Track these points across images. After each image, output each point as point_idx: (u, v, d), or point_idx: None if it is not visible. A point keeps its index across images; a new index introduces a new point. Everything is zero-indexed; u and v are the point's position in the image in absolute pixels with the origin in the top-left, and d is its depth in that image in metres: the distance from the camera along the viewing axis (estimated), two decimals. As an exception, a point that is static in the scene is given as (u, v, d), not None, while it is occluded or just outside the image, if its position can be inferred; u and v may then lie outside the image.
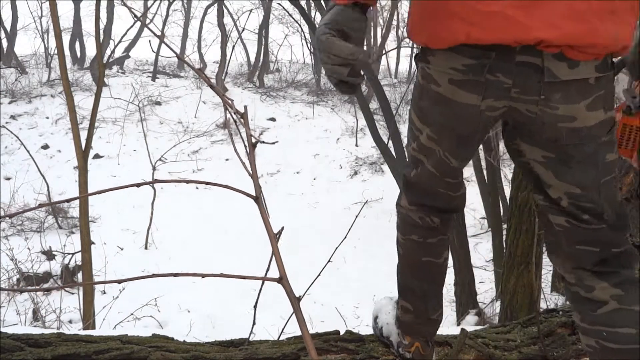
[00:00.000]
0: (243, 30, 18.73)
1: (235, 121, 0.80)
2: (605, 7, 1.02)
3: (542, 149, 1.17)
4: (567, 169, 1.15)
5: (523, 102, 1.11)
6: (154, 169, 8.85)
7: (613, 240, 1.18)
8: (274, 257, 0.71)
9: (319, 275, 1.63)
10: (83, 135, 4.54)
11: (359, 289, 6.38)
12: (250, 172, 0.73)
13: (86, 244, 4.46)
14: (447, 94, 1.16)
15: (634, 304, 1.15)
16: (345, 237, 1.82)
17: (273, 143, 0.87)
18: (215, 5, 17.00)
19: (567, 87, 1.08)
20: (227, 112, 0.78)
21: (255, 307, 1.51)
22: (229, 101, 0.77)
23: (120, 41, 15.12)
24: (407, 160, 1.40)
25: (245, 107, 0.81)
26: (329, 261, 1.77)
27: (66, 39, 16.03)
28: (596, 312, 1.18)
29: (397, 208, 1.48)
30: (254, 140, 0.75)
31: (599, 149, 1.13)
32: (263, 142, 0.74)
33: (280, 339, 1.66)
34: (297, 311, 0.67)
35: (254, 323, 1.58)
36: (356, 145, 13.44)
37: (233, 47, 17.61)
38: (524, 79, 1.08)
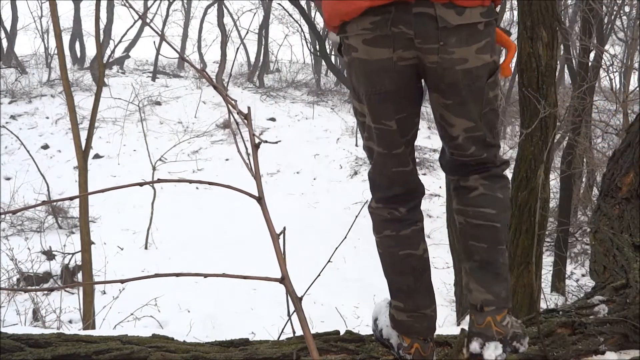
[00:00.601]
0: (247, 33, 18.74)
1: (237, 122, 0.80)
2: None
3: (444, 96, 1.35)
4: (464, 108, 1.36)
5: (426, 52, 1.28)
6: (154, 169, 8.85)
7: (488, 157, 1.45)
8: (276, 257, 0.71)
9: (319, 275, 1.63)
10: (83, 135, 4.55)
11: (359, 289, 6.38)
12: (253, 172, 0.73)
13: (86, 244, 4.46)
14: (363, 55, 1.31)
15: (495, 191, 1.45)
16: (345, 237, 1.82)
17: (276, 142, 0.87)
18: (215, 5, 17.00)
19: (460, 32, 1.26)
20: (230, 112, 0.78)
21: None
22: (232, 102, 0.77)
23: (120, 41, 15.11)
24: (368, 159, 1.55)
25: (249, 107, 0.81)
26: (328, 261, 1.77)
27: (66, 39, 16.03)
28: (468, 196, 1.47)
29: (369, 211, 1.59)
30: (257, 141, 0.76)
31: (485, 87, 1.35)
32: (266, 141, 0.74)
33: (280, 339, 1.65)
34: (299, 311, 0.67)
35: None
36: (356, 145, 13.44)
37: (237, 49, 17.61)
38: (423, 27, 1.24)
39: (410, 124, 1.43)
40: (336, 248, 1.67)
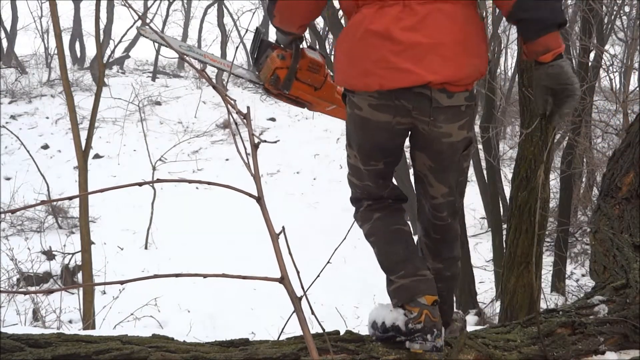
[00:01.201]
0: (246, 32, 18.73)
1: (236, 122, 0.80)
2: (463, 51, 1.48)
3: (430, 159, 1.63)
4: (444, 175, 1.65)
5: (420, 121, 1.55)
6: (154, 169, 8.85)
7: (452, 225, 1.74)
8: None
9: (318, 276, 1.63)
10: (83, 135, 4.55)
11: (359, 289, 6.39)
12: (253, 172, 0.73)
13: (86, 244, 4.46)
14: (367, 115, 1.58)
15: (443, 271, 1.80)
16: (345, 238, 1.82)
17: (275, 142, 0.87)
18: (215, 5, 17.01)
19: (447, 111, 1.53)
20: (229, 112, 0.78)
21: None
22: (232, 101, 0.77)
23: (120, 41, 15.08)
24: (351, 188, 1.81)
25: (248, 107, 0.81)
26: (328, 262, 1.78)
27: (66, 39, 16.03)
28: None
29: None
30: (256, 140, 0.76)
31: (461, 159, 1.64)
32: (265, 141, 0.74)
33: (280, 339, 1.65)
34: (299, 311, 0.67)
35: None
36: (356, 145, 13.45)
37: (236, 48, 17.58)
38: (419, 104, 1.52)
39: (396, 162, 1.74)
40: (335, 249, 1.67)
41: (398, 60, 1.47)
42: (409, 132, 1.63)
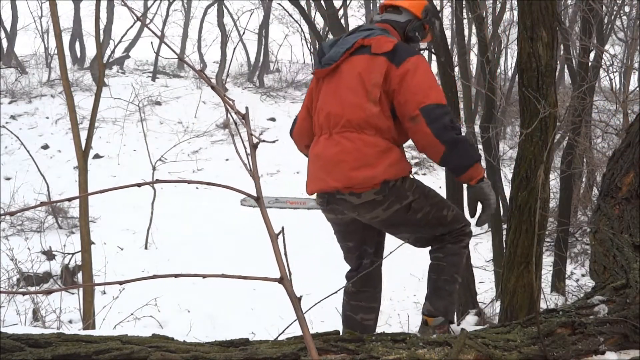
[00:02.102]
0: (244, 33, 18.74)
1: (235, 122, 0.80)
2: (361, 163, 2.01)
3: (379, 227, 2.21)
4: (399, 233, 2.22)
5: (352, 213, 2.12)
6: (154, 169, 8.85)
7: (444, 237, 2.23)
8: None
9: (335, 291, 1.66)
10: (83, 135, 4.55)
11: (359, 289, 6.39)
12: (252, 172, 0.73)
13: (86, 244, 4.46)
14: (325, 215, 2.26)
15: (441, 260, 2.25)
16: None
17: (273, 142, 0.87)
18: (215, 5, 17.00)
19: (364, 206, 2.06)
20: (228, 112, 0.78)
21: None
22: (230, 102, 0.77)
23: (120, 41, 15.12)
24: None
25: (247, 107, 0.81)
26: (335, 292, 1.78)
27: (66, 39, 16.03)
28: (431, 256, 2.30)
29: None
30: (255, 140, 0.76)
31: (407, 218, 2.12)
32: (264, 141, 0.74)
33: (280, 339, 1.65)
34: (298, 311, 0.67)
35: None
36: (356, 145, 13.46)
37: (234, 49, 17.62)
38: (343, 205, 2.09)
39: (362, 243, 2.26)
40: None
41: (319, 172, 2.12)
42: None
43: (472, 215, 2.23)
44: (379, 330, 2.30)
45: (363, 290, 2.29)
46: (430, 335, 1.90)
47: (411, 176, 2.14)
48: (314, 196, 2.32)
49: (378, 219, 2.10)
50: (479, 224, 2.18)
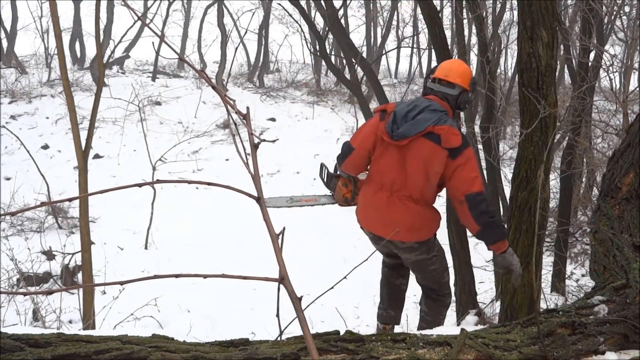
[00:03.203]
0: (245, 33, 18.73)
1: (235, 123, 0.80)
2: (412, 227, 2.68)
3: (405, 264, 3.00)
4: (414, 269, 2.98)
5: (393, 248, 2.90)
6: (154, 169, 8.84)
7: (439, 292, 3.03)
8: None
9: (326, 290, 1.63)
10: (83, 135, 4.54)
11: (359, 289, 6.37)
12: (252, 172, 0.73)
13: (86, 244, 4.46)
14: (371, 241, 2.94)
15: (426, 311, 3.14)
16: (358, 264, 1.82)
17: (274, 141, 0.87)
18: (215, 5, 17.00)
19: (404, 250, 2.81)
20: (229, 112, 0.78)
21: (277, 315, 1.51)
22: (231, 102, 0.77)
23: (120, 41, 15.10)
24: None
25: (247, 107, 0.81)
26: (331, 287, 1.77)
27: (66, 39, 16.03)
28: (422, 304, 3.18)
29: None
30: (256, 141, 0.76)
31: (425, 265, 2.88)
32: (264, 140, 0.74)
33: (280, 339, 1.65)
34: (298, 311, 0.67)
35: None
36: (356, 145, 13.44)
37: (236, 49, 17.61)
38: (389, 244, 2.82)
39: (397, 272, 3.17)
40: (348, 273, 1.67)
41: (375, 218, 2.79)
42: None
43: (503, 275, 2.90)
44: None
45: (400, 265, 3.07)
46: None
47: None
48: (327, 192, 3.10)
49: (409, 260, 2.90)
50: (515, 284, 2.75)
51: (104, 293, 6.16)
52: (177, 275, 0.70)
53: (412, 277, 3.19)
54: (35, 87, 14.78)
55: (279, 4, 17.18)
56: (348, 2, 14.70)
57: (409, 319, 4.79)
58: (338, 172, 2.98)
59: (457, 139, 2.50)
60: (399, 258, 2.94)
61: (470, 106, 3.13)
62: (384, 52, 16.03)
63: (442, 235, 6.37)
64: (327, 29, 11.08)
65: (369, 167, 2.79)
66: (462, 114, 6.74)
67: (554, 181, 7.67)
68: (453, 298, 6.11)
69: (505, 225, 2.94)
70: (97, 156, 11.87)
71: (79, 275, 6.46)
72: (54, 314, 4.89)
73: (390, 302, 3.16)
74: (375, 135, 2.68)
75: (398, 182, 2.64)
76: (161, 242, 8.26)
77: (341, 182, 2.94)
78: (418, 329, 2.92)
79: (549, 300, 6.04)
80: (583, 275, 7.53)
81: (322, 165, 3.06)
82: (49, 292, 0.72)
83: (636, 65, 8.70)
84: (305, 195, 3.30)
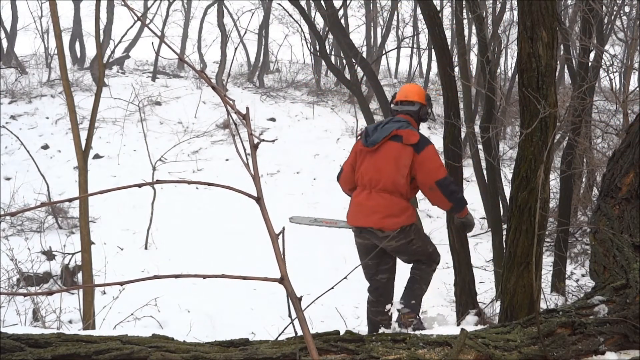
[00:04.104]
0: (245, 33, 18.74)
1: (235, 123, 0.80)
2: (389, 214, 3.19)
3: (389, 251, 3.34)
4: (398, 255, 3.41)
5: (375, 241, 3.30)
6: (154, 169, 8.84)
7: (422, 261, 3.44)
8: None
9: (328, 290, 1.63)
10: (83, 135, 4.55)
11: (359, 289, 6.38)
12: (252, 172, 0.73)
13: (86, 244, 4.46)
14: (356, 239, 3.43)
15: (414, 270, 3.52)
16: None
17: (273, 141, 0.87)
18: (215, 5, 17.00)
19: (384, 238, 3.23)
20: (229, 113, 0.78)
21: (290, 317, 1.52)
22: (231, 102, 0.77)
23: (120, 41, 15.11)
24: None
25: (247, 108, 0.81)
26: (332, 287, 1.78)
27: (66, 39, 16.03)
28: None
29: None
30: (255, 141, 0.76)
31: (407, 247, 3.32)
32: (263, 140, 0.74)
33: (280, 339, 1.65)
34: (298, 311, 0.67)
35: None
36: (356, 145, 13.44)
37: (236, 49, 17.61)
38: (372, 235, 3.29)
39: (378, 263, 3.40)
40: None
41: (360, 213, 3.27)
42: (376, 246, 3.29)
43: (461, 231, 3.95)
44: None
45: (380, 301, 3.45)
46: (402, 323, 3.17)
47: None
48: (344, 218, 3.53)
49: (390, 247, 3.26)
50: (469, 232, 3.79)
51: (104, 293, 6.16)
52: (177, 276, 0.70)
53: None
54: (35, 87, 14.79)
55: (279, 4, 17.19)
56: (348, 2, 14.69)
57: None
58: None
59: (415, 137, 3.16)
60: (377, 272, 3.44)
61: (433, 117, 3.65)
62: (384, 52, 16.03)
63: (442, 235, 6.39)
64: (327, 29, 11.07)
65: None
66: (461, 114, 6.76)
67: (554, 181, 7.67)
68: (453, 298, 6.19)
69: (505, 225, 2.95)
70: (97, 156, 11.87)
71: (79, 275, 6.46)
72: (54, 314, 4.89)
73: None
74: (355, 152, 3.39)
75: (374, 179, 3.22)
76: (161, 242, 8.26)
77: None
78: (405, 290, 3.37)
79: (549, 300, 6.04)
80: (583, 275, 7.53)
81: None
82: (49, 293, 0.72)
83: (636, 65, 8.70)
84: (326, 218, 4.05)
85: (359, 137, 3.42)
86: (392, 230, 3.17)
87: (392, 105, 3.47)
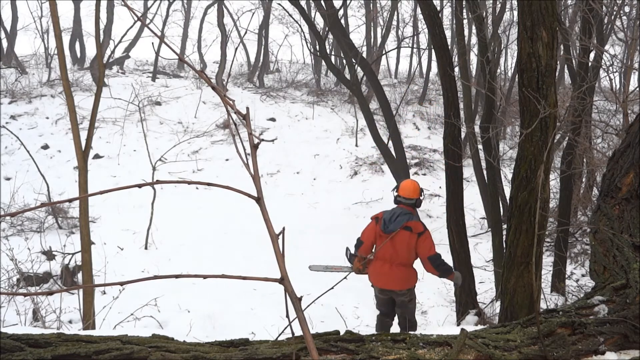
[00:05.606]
0: (245, 33, 18.75)
1: (235, 123, 0.80)
2: (405, 280, 4.52)
3: (396, 304, 4.69)
4: (398, 307, 4.67)
5: (393, 295, 4.65)
6: (154, 169, 8.85)
7: (412, 320, 4.75)
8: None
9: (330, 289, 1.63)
10: (83, 135, 4.55)
11: (359, 289, 6.38)
12: (252, 172, 0.73)
13: (86, 244, 4.46)
14: (378, 294, 4.72)
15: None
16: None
17: (272, 141, 0.87)
18: (215, 5, 17.01)
19: (399, 294, 4.58)
20: (229, 113, 0.78)
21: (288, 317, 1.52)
22: (230, 102, 0.77)
23: (120, 41, 15.12)
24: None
25: (247, 108, 0.81)
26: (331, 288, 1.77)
27: (66, 39, 16.04)
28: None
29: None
30: (255, 141, 0.76)
31: (407, 304, 4.62)
32: (263, 140, 0.74)
33: (280, 339, 1.65)
34: (298, 311, 0.67)
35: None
36: (356, 145, 13.45)
37: (236, 49, 17.62)
38: (391, 293, 4.60)
39: (389, 307, 4.73)
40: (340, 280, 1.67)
41: (384, 278, 4.46)
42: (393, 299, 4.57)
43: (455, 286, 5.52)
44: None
45: (388, 313, 4.74)
46: None
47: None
48: (348, 264, 4.85)
49: (399, 299, 4.49)
50: (458, 283, 4.86)
51: (104, 293, 6.16)
52: (177, 276, 0.70)
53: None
54: (35, 87, 14.79)
55: (279, 4, 17.20)
56: (348, 2, 14.70)
57: (409, 319, 4.84)
58: (355, 253, 4.65)
59: (421, 227, 4.38)
60: (388, 309, 4.68)
61: (420, 204, 4.80)
62: (384, 52, 16.03)
63: (442, 235, 6.40)
64: (327, 29, 11.07)
65: (373, 250, 4.57)
66: (461, 114, 6.79)
67: (554, 181, 7.67)
68: (453, 298, 6.27)
69: (505, 225, 2.94)
70: (97, 156, 11.87)
71: (79, 276, 6.46)
72: (54, 314, 4.89)
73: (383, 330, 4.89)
74: (375, 233, 4.53)
75: (394, 256, 4.42)
76: (161, 242, 8.26)
77: (357, 259, 4.60)
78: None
79: (549, 300, 6.04)
80: (583, 275, 7.53)
81: (347, 249, 4.70)
82: (49, 293, 0.72)
83: (636, 65, 8.70)
84: (335, 265, 5.01)
85: (375, 220, 4.60)
86: (405, 289, 4.49)
87: (395, 195, 4.65)
